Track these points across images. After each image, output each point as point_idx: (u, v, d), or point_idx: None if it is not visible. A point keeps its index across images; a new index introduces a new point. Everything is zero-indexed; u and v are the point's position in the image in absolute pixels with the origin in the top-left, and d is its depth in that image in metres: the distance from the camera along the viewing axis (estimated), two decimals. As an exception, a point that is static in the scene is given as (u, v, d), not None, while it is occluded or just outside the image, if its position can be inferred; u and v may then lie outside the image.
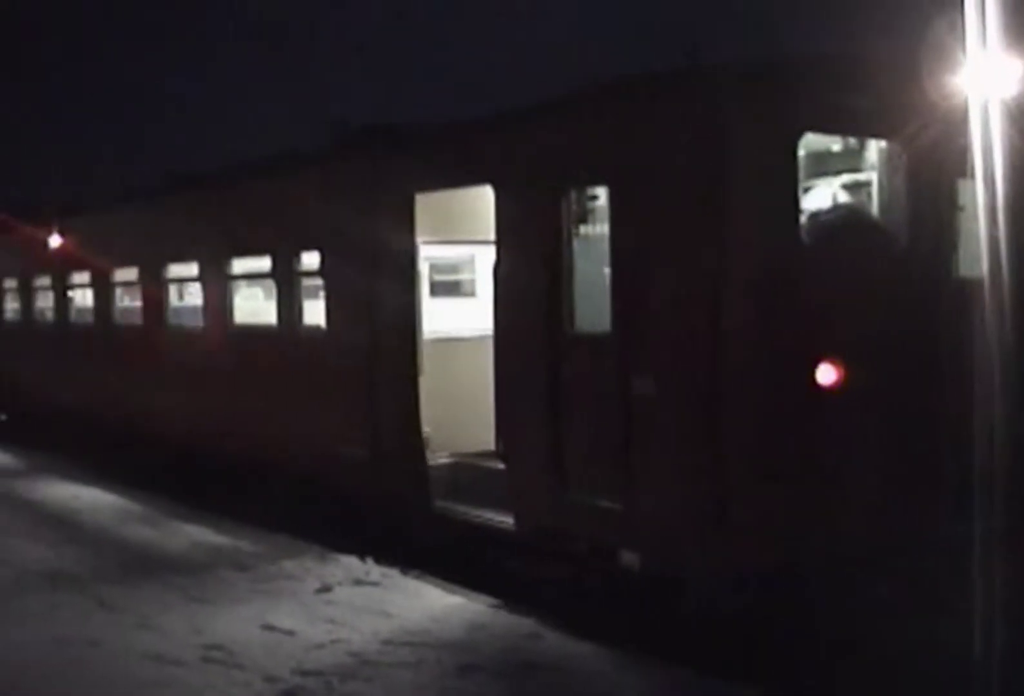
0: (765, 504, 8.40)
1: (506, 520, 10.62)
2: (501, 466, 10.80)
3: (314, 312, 13.63)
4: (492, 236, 10.72)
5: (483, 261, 12.87)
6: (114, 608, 10.44)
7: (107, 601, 10.66)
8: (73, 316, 20.65)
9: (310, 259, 13.61)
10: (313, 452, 13.45)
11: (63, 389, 20.57)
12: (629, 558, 9.26)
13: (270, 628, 9.72)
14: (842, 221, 9.38)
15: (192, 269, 16.29)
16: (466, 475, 11.88)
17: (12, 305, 23.92)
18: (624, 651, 8.90)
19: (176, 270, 16.95)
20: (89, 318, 19.75)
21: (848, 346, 8.71)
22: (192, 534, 13.57)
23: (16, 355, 23.37)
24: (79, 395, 20.02)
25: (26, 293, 22.66)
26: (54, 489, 16.88)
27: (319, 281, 13.53)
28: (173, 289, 17.39)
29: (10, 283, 23.63)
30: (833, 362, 8.60)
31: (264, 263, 14.48)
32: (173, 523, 14.25)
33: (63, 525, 14.17)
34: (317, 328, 13.43)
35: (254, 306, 15.66)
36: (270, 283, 14.82)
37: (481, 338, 11.76)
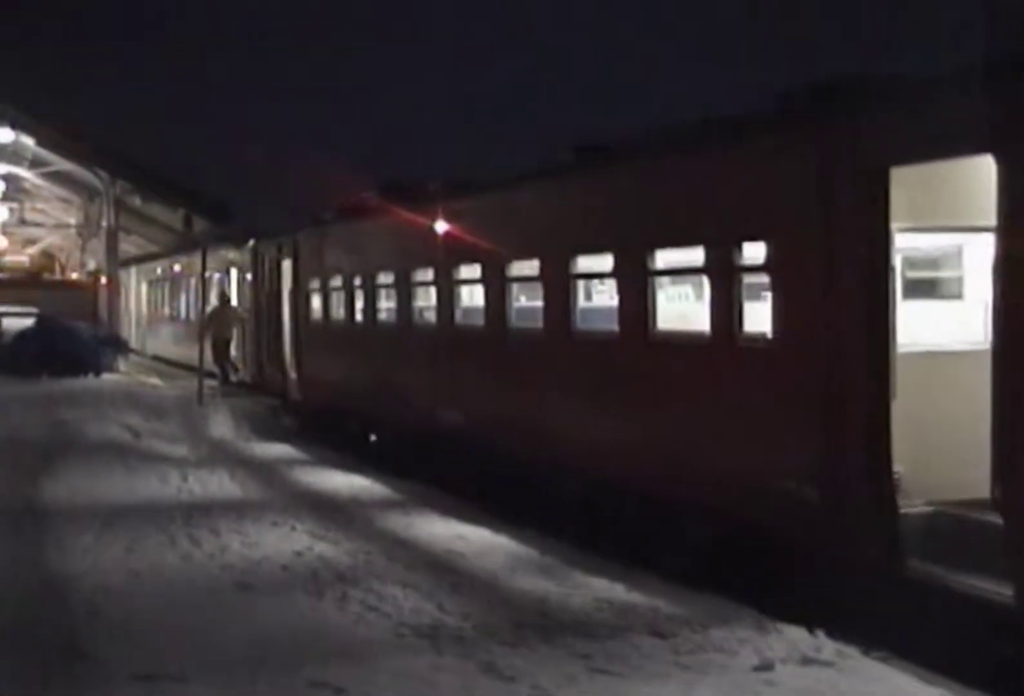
0: None
1: (1002, 591, 10.42)
2: (997, 519, 10.60)
3: (756, 317, 13.78)
4: (989, 221, 10.56)
5: (974, 254, 12.66)
6: (505, 676, 10.74)
7: (496, 667, 10.98)
8: (459, 318, 21.61)
9: (753, 251, 13.76)
10: (745, 490, 13.59)
11: (444, 404, 21.56)
12: None
13: (695, 711, 9.88)
14: None
15: (605, 262, 16.76)
16: (949, 529, 11.71)
17: (386, 304, 25.23)
18: None
19: (586, 264, 17.49)
20: (479, 320, 20.63)
21: None
22: (598, 588, 13.89)
23: (390, 362, 24.67)
24: (463, 412, 20.94)
25: (404, 290, 23.89)
26: (433, 526, 17.68)
27: (764, 278, 13.66)
28: (581, 287, 17.93)
29: (385, 278, 24.97)
30: None
31: (694, 256, 14.72)
32: (575, 573, 14.62)
33: (444, 571, 14.78)
34: (760, 337, 13.57)
35: (680, 309, 15.95)
36: (700, 281, 15.10)
37: (970, 352, 11.58)
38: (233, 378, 37.49)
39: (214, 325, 36.72)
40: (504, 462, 19.63)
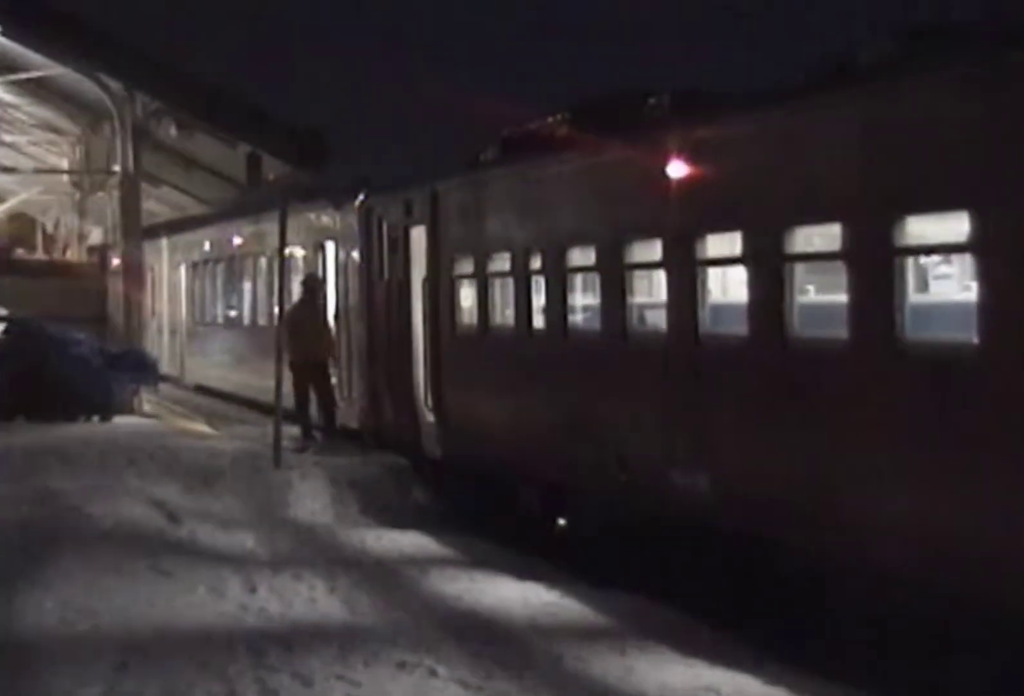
0: None
1: None
2: None
3: None
4: None
5: None
6: None
7: None
8: (706, 322, 21.47)
9: None
10: None
11: (680, 463, 21.64)
12: None
13: None
14: None
15: (953, 227, 16.52)
16: None
17: (584, 300, 25.26)
18: None
19: (919, 230, 17.24)
20: (739, 326, 20.55)
21: None
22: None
23: (591, 396, 24.69)
24: (712, 475, 20.96)
25: (613, 277, 23.86)
26: (665, 671, 17.59)
27: None
28: (911, 270, 17.62)
29: (582, 257, 24.98)
30: None
31: None
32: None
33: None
34: None
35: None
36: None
37: None
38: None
39: (302, 336, 35.79)
40: (782, 561, 19.51)
